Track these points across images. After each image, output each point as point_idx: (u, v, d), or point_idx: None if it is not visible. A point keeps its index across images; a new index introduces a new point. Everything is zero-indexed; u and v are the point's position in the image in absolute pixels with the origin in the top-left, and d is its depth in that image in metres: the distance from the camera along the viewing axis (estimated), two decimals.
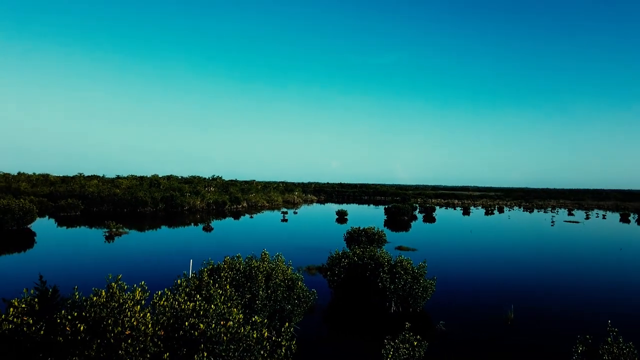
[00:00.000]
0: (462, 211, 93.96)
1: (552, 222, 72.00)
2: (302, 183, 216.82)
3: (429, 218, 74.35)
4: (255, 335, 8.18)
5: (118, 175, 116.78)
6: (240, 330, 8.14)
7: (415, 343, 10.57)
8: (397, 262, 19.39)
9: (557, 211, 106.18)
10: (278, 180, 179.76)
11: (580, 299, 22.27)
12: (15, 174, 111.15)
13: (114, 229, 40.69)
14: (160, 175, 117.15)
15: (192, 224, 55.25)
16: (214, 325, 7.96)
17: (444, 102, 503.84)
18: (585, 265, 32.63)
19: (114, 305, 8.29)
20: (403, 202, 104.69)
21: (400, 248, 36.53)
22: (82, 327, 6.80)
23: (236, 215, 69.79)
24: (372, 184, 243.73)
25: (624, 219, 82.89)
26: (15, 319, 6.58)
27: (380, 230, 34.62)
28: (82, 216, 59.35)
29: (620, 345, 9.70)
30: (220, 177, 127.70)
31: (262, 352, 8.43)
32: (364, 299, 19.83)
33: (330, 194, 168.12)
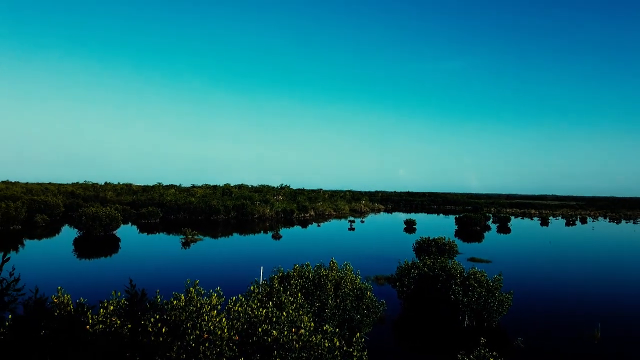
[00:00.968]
0: (539, 221, 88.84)
1: None
2: (369, 192, 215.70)
3: (504, 228, 70.99)
4: (327, 345, 8.19)
5: (193, 185, 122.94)
6: (312, 339, 8.20)
7: None
8: (470, 274, 18.65)
9: None
10: (344, 189, 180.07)
11: None
12: (103, 183, 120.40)
13: (190, 236, 42.71)
14: (232, 185, 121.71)
15: (262, 231, 56.72)
16: (286, 332, 8.08)
17: (527, 105, 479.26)
18: None
19: (192, 309, 8.66)
20: (475, 211, 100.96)
21: (472, 259, 35.16)
22: (164, 329, 7.17)
23: (304, 223, 70.74)
24: (442, 193, 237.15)
25: None
26: (107, 320, 7.10)
27: (451, 240, 33.57)
28: (161, 223, 62.90)
29: None
30: (288, 186, 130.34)
31: None
32: (434, 311, 19.25)
33: (397, 203, 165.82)
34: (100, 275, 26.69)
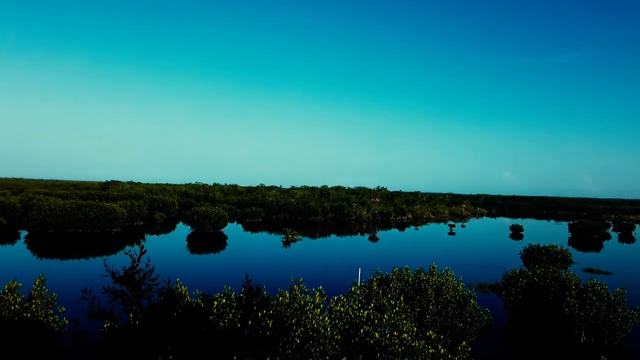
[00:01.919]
0: None
1: None
2: (470, 195, 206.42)
3: (627, 237, 63.72)
4: (431, 351, 8.00)
5: (292, 186, 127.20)
6: (415, 344, 8.06)
7: None
8: (587, 286, 17.01)
9: None
10: (444, 191, 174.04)
11: None
12: (211, 184, 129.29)
13: (290, 235, 44.23)
14: (329, 186, 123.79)
15: (359, 233, 56.93)
16: (388, 335, 8.04)
17: None
18: None
19: (296, 306, 8.97)
20: (592, 218, 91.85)
21: (589, 270, 32.05)
22: (270, 324, 7.52)
23: (401, 226, 69.71)
24: (552, 197, 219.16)
25: None
26: (223, 312, 7.64)
27: (564, 249, 30.92)
28: (263, 222, 65.92)
29: None
30: (385, 189, 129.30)
31: None
32: (545, 324, 17.85)
33: (501, 207, 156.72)
34: (210, 269, 28.65)
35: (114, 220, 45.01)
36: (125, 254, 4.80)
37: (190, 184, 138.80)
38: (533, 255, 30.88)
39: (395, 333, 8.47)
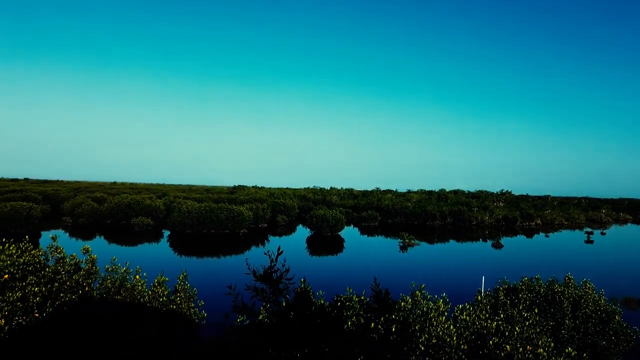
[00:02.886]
0: None
1: None
2: (611, 199, 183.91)
3: None
4: None
5: (409, 190, 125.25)
6: None
7: None
8: None
9: None
10: (578, 195, 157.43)
11: None
12: (328, 188, 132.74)
13: (407, 240, 43.57)
14: (447, 190, 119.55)
15: (480, 239, 54.04)
16: (520, 349, 7.52)
17: None
18: None
19: (419, 312, 8.83)
20: None
21: None
22: (393, 328, 7.50)
23: (528, 232, 64.63)
24: None
25: None
26: (353, 313, 7.83)
27: None
28: (379, 226, 65.83)
29: None
30: (510, 192, 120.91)
31: None
32: None
33: None
34: (330, 270, 29.41)
35: (241, 221, 48.49)
36: (265, 254, 5.17)
37: (308, 188, 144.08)
38: None
39: (528, 347, 7.90)
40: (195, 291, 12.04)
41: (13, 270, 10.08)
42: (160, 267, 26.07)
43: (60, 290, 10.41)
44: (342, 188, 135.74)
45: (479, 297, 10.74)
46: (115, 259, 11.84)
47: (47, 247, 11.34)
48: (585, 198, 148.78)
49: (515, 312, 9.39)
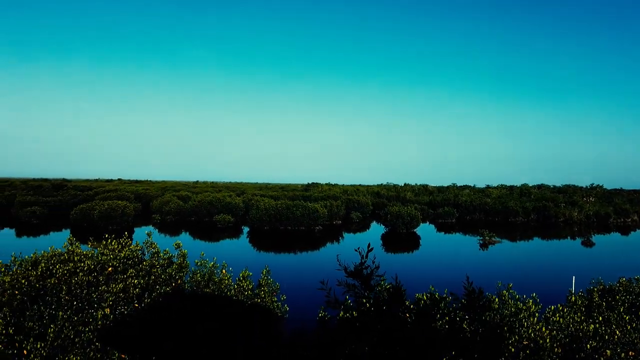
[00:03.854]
0: None
1: None
2: None
3: None
4: None
5: (488, 185, 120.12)
6: None
7: None
8: None
9: None
10: None
11: None
12: (402, 185, 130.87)
13: (487, 237, 41.83)
14: (530, 185, 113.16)
15: (568, 237, 50.58)
16: (622, 354, 6.97)
17: None
18: None
19: (506, 312, 8.48)
20: None
21: None
22: (484, 328, 7.26)
23: (623, 229, 59.49)
24: None
25: None
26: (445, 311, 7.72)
27: None
28: (457, 223, 63.79)
29: None
30: (601, 186, 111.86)
31: None
32: None
33: None
34: (406, 267, 29.03)
35: (316, 218, 49.24)
36: (355, 250, 5.24)
37: (381, 184, 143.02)
38: None
39: (631, 353, 7.31)
40: (277, 286, 12.45)
41: (115, 264, 11.03)
42: (242, 262, 27.20)
43: (156, 283, 11.23)
44: (416, 184, 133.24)
45: (572, 298, 10.09)
46: (203, 254, 12.55)
47: (144, 243, 12.28)
48: None
49: (614, 315, 8.69)
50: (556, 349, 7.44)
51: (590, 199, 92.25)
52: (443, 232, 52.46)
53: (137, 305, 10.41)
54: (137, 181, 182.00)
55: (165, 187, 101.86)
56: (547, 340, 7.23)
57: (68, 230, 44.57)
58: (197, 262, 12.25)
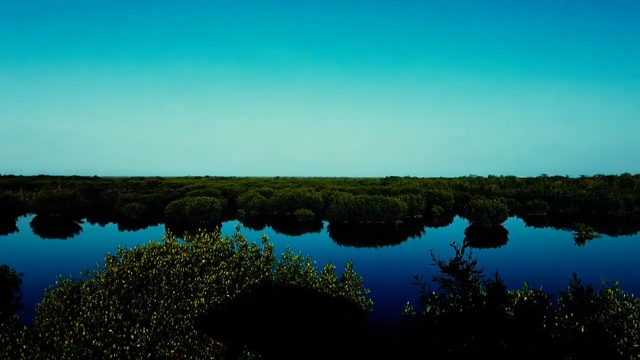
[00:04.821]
0: None
1: None
2: None
3: None
4: None
5: (583, 176, 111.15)
6: None
7: None
8: None
9: None
10: None
11: None
12: (486, 176, 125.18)
13: (584, 232, 38.81)
14: (631, 174, 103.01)
15: None
16: None
17: None
18: None
19: (612, 313, 7.82)
20: None
21: None
22: (592, 329, 6.74)
23: None
24: None
25: None
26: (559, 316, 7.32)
27: None
28: (548, 216, 59.85)
29: None
30: None
31: None
32: None
33: None
34: (496, 263, 27.78)
35: (396, 212, 48.62)
36: (450, 245, 5.11)
37: (464, 177, 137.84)
38: None
39: None
40: (361, 279, 12.47)
41: (208, 256, 11.68)
42: (323, 255, 27.62)
43: (245, 275, 11.73)
44: (501, 176, 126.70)
45: None
46: (288, 248, 12.90)
47: (233, 236, 12.88)
48: None
49: None
50: None
51: None
52: (533, 226, 49.45)
53: (228, 295, 10.95)
54: (222, 178, 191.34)
55: (249, 183, 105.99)
56: None
57: (163, 225, 48.00)
58: (283, 255, 12.61)
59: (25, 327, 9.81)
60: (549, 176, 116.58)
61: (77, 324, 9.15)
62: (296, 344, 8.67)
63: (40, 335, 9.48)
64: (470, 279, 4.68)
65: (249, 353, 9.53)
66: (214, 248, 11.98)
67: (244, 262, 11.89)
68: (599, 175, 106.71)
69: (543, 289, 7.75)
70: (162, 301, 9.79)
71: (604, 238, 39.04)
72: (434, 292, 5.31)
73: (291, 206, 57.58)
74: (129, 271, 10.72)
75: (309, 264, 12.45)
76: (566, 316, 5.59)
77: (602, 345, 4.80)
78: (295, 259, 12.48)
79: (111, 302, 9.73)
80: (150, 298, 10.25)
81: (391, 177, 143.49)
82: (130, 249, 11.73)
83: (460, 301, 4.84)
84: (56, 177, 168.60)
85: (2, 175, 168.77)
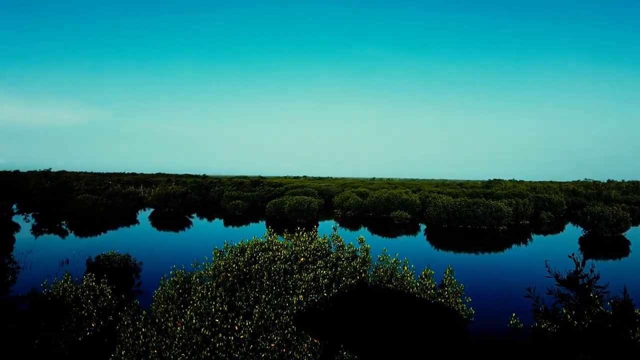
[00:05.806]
0: None
1: None
2: None
3: None
4: None
5: None
6: None
7: None
8: None
9: None
10: None
11: None
12: (604, 181, 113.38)
13: None
14: None
15: None
16: None
17: None
18: None
19: None
20: None
21: None
22: None
23: None
24: None
25: None
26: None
27: None
28: None
29: None
30: None
31: None
32: None
33: None
34: (614, 278, 25.04)
35: (500, 217, 45.93)
36: (569, 256, 4.70)
37: (578, 181, 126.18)
38: None
39: None
40: (462, 287, 11.95)
41: (306, 255, 11.96)
42: (420, 259, 26.98)
43: (342, 274, 11.82)
44: (623, 180, 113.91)
45: None
46: (385, 250, 12.77)
47: (330, 236, 13.06)
48: None
49: None
50: None
51: None
52: None
53: (325, 294, 11.12)
54: (319, 178, 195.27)
55: (345, 184, 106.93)
56: None
57: (264, 222, 50.27)
58: (380, 258, 12.51)
59: (144, 312, 10.82)
60: None
61: (188, 312, 9.89)
62: (395, 350, 8.53)
63: (157, 320, 10.39)
64: (591, 294, 4.22)
65: (345, 353, 9.58)
66: (312, 247, 12.24)
67: (341, 262, 11.99)
68: None
69: None
70: (263, 296, 10.21)
71: None
72: (545, 306, 4.90)
73: (387, 208, 57.01)
74: (234, 265, 11.35)
75: (405, 268, 12.22)
76: None
77: None
78: (392, 261, 12.32)
79: (218, 294, 10.37)
80: (253, 292, 10.75)
81: (494, 179, 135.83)
82: (235, 244, 12.41)
83: (575, 317, 4.39)
84: (171, 175, 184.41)
85: (127, 173, 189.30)
